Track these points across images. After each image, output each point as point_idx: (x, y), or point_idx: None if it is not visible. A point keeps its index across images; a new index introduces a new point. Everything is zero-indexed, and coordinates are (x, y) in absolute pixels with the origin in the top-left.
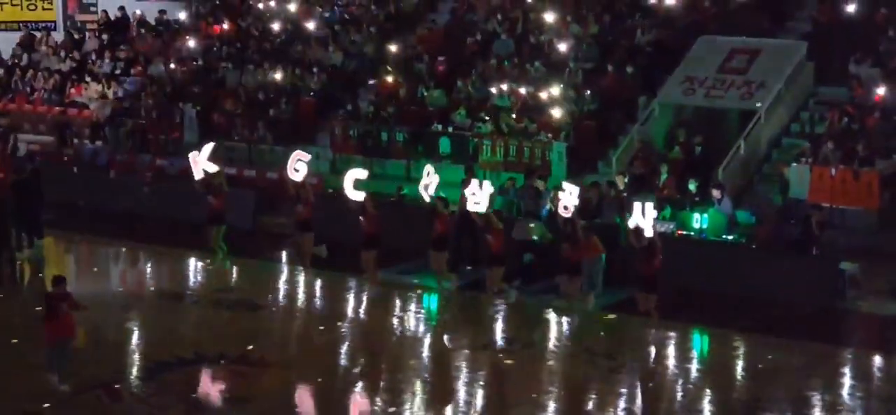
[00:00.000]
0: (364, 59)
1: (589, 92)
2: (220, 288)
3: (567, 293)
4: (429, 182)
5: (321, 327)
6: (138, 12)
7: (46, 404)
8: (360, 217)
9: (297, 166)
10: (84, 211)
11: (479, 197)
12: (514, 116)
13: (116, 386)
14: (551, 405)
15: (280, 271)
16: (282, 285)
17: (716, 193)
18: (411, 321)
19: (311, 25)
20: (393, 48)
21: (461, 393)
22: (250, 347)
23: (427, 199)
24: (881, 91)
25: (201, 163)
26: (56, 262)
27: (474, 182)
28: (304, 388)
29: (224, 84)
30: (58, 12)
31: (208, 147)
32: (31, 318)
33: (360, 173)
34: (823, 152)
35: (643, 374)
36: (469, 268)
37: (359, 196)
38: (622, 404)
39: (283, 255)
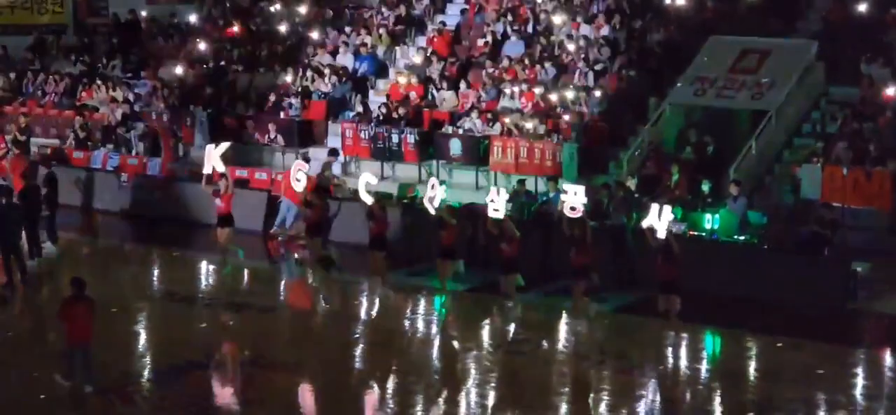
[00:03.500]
0: (375, 61)
1: (599, 93)
2: (230, 290)
3: (575, 296)
4: (433, 195)
5: (330, 330)
6: (149, 15)
7: (50, 405)
8: (369, 220)
9: (299, 176)
10: (95, 214)
11: (497, 203)
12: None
13: (127, 389)
14: (563, 406)
15: (290, 273)
16: (291, 287)
17: (733, 189)
18: (422, 323)
19: (321, 28)
20: (403, 50)
21: (473, 395)
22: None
23: (432, 210)
24: (891, 91)
25: (214, 157)
26: (69, 265)
27: (493, 189)
28: (315, 390)
29: (235, 87)
30: (68, 16)
31: (224, 145)
32: (39, 322)
33: (372, 177)
34: (835, 152)
35: (655, 375)
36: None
37: (370, 199)
38: (633, 404)
39: (294, 257)
